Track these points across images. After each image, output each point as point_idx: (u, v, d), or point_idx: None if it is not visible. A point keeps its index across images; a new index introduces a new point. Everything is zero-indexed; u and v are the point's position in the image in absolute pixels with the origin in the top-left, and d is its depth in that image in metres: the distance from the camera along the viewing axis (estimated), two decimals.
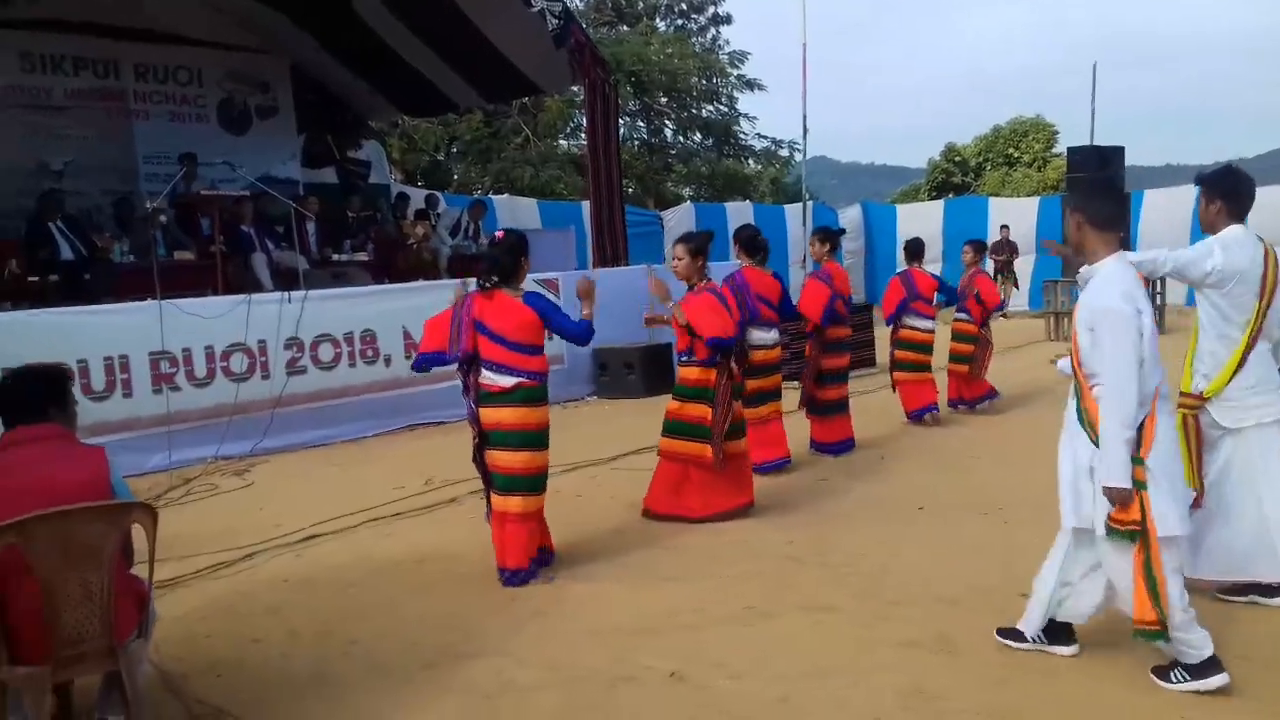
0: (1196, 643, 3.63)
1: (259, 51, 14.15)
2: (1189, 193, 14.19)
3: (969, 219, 20.33)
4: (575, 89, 21.85)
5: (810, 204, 16.88)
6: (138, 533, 3.34)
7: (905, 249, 9.47)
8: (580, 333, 5.31)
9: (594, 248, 13.14)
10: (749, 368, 6.70)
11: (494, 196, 19.20)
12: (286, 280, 10.90)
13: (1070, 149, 16.66)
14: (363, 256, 12.77)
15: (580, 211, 18.36)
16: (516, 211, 18.16)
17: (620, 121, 17.40)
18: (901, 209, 24.07)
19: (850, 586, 4.89)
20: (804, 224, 16.41)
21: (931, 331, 9.04)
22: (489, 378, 5.11)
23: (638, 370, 11.08)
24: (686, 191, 30.53)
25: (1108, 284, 3.69)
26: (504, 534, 5.16)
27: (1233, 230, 4.40)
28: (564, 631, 4.48)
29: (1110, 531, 3.62)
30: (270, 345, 8.97)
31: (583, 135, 29.29)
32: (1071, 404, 3.85)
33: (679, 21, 31.80)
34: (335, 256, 12.49)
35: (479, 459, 5.29)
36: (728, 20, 31.83)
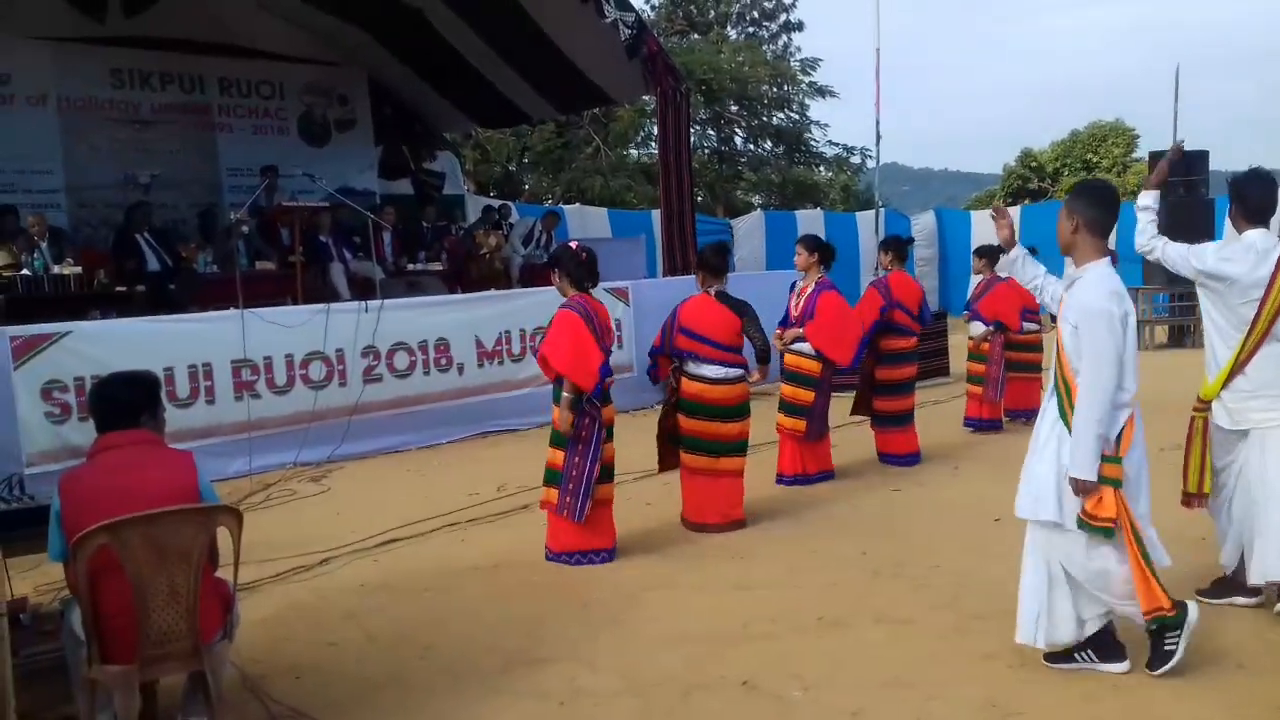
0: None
1: (337, 65, 14.47)
2: None
3: (1047, 225, 19.83)
4: (647, 98, 22.03)
5: (883, 211, 16.68)
6: (223, 536, 3.42)
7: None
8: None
9: (664, 256, 13.16)
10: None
11: (565, 206, 19.33)
12: (363, 290, 11.09)
13: (1151, 153, 16.28)
14: (437, 266, 12.94)
15: (650, 220, 18.43)
16: (587, 221, 18.28)
17: (690, 130, 17.41)
18: (976, 215, 23.68)
19: (927, 598, 4.83)
20: (875, 231, 16.26)
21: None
22: None
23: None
24: (756, 199, 30.46)
25: (1097, 284, 3.76)
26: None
27: (1248, 235, 4.37)
28: (638, 639, 4.48)
29: (1080, 524, 3.72)
30: (348, 353, 9.12)
31: (653, 144, 29.49)
32: (1052, 404, 3.87)
33: (750, 29, 31.77)
34: (410, 266, 12.67)
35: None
36: (799, 27, 31.73)
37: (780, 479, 7.30)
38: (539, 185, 28.05)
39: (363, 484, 8.02)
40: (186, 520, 3.22)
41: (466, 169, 21.99)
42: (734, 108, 28.47)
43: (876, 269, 14.31)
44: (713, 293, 6.21)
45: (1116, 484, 3.68)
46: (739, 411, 6.16)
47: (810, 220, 20.57)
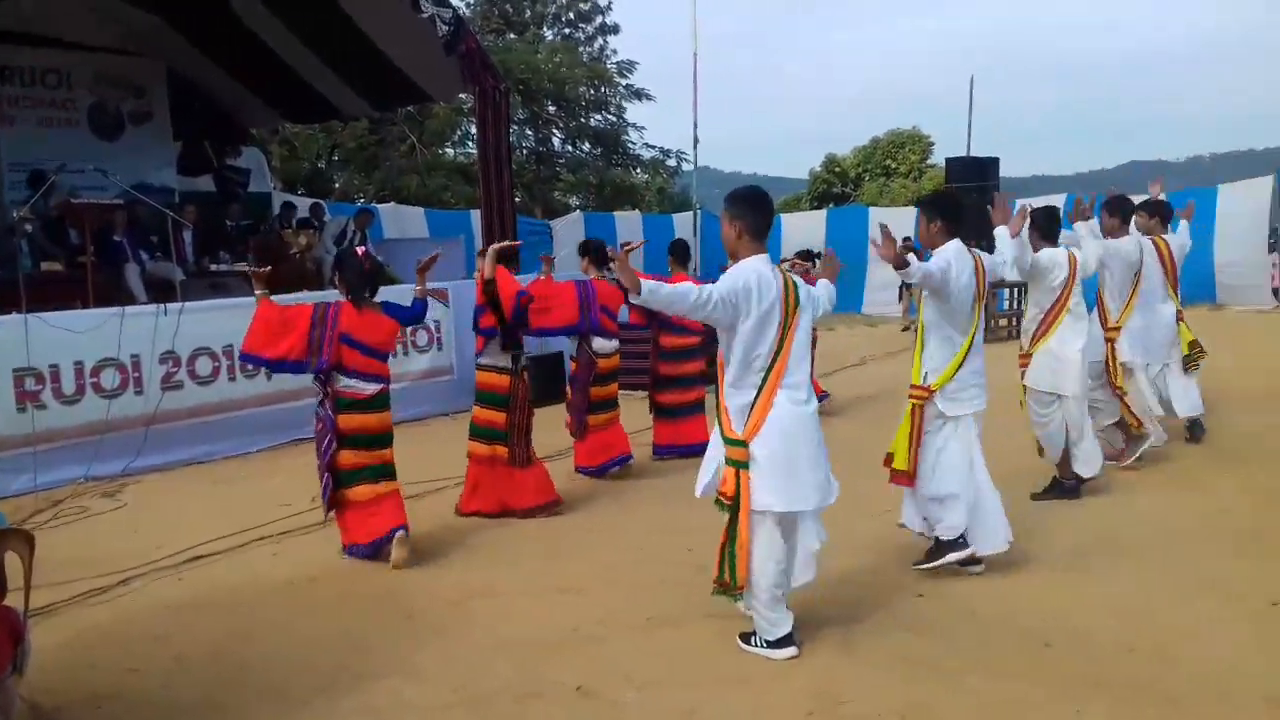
0: (775, 620, 4.12)
1: (133, 55, 13.58)
2: (1056, 200, 14.69)
3: (851, 227, 20.78)
4: (464, 97, 21.70)
5: (699, 213, 17.00)
6: (11, 560, 3.13)
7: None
8: (414, 316, 5.89)
9: None
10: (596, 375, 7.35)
11: (380, 205, 18.84)
12: (161, 292, 10.47)
13: (949, 159, 17.22)
14: (243, 267, 12.34)
15: (469, 220, 18.18)
16: (403, 220, 17.88)
17: (510, 129, 17.26)
18: (786, 218, 24.42)
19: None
20: (694, 233, 16.54)
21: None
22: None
23: (530, 379, 10.94)
24: (574, 200, 30.53)
25: (739, 269, 4.14)
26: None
27: (952, 244, 4.93)
28: (466, 648, 4.38)
29: (716, 503, 4.15)
30: (144, 360, 8.58)
31: (470, 144, 29.13)
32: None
33: (566, 30, 31.80)
34: (213, 267, 12.06)
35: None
36: (615, 30, 31.98)
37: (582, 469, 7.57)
38: (350, 184, 27.23)
39: (163, 498, 7.55)
40: None
41: (273, 165, 21.11)
42: (552, 108, 28.43)
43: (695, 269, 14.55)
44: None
45: (743, 465, 4.02)
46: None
47: (629, 222, 20.79)
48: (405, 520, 5.68)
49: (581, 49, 30.99)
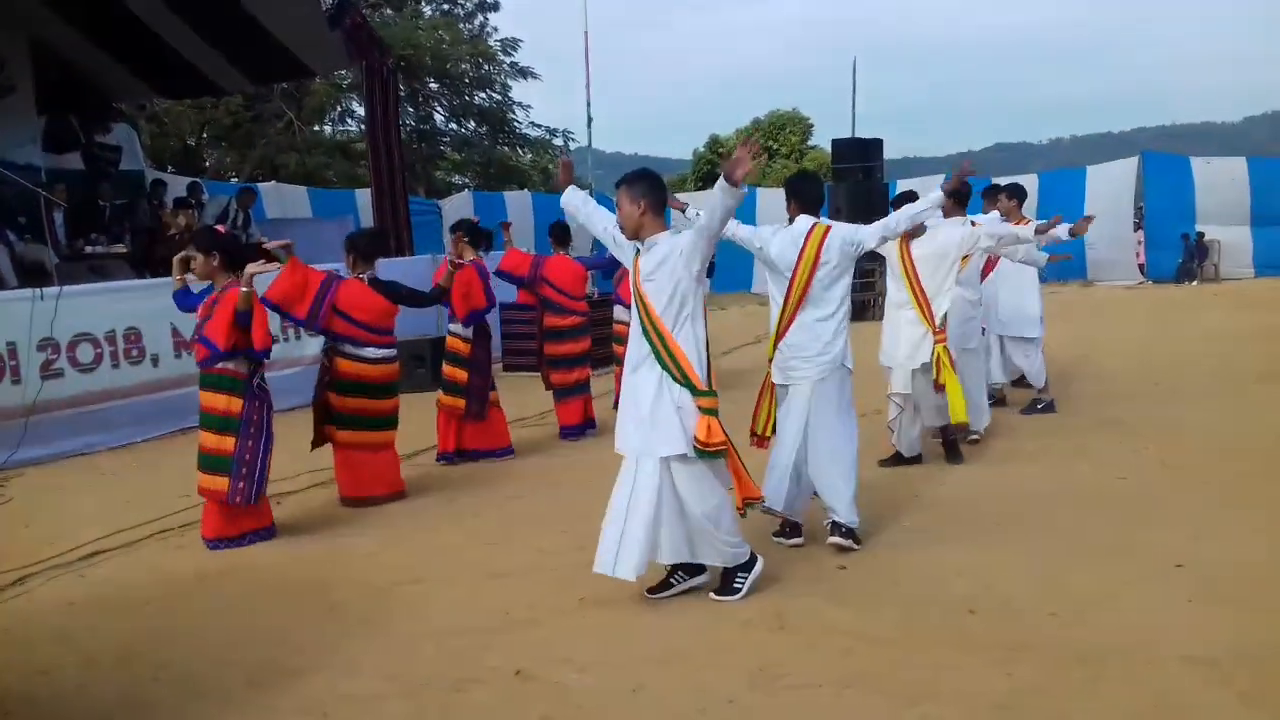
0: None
1: None
2: (936, 182, 15.19)
3: (739, 208, 20.98)
4: (343, 73, 21.12)
5: (593, 193, 16.93)
6: None
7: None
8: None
9: None
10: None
11: (260, 184, 18.21)
12: (33, 275, 9.94)
13: (835, 140, 17.53)
14: (120, 248, 11.81)
15: (354, 199, 17.75)
16: (285, 199, 17.37)
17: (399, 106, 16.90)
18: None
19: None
20: None
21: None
22: None
23: (429, 363, 10.79)
24: (458, 179, 30.07)
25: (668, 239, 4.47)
26: None
27: (799, 222, 5.25)
28: (396, 637, 4.28)
29: (699, 452, 4.24)
30: (21, 347, 8.13)
31: (349, 121, 28.40)
32: (649, 359, 4.35)
33: (445, 6, 31.18)
34: (88, 249, 11.49)
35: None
36: (495, 7, 31.50)
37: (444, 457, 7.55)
38: (222, 162, 26.26)
39: (50, 492, 7.18)
40: None
41: (143, 142, 20.21)
42: (434, 85, 27.88)
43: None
44: (365, 278, 6.45)
45: (715, 413, 4.25)
46: (393, 389, 6.50)
47: (518, 201, 20.61)
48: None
49: (462, 25, 30.46)
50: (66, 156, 13.94)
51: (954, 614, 4.23)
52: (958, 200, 7.36)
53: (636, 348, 4.42)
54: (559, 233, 8.57)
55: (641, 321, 4.39)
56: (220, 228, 5.95)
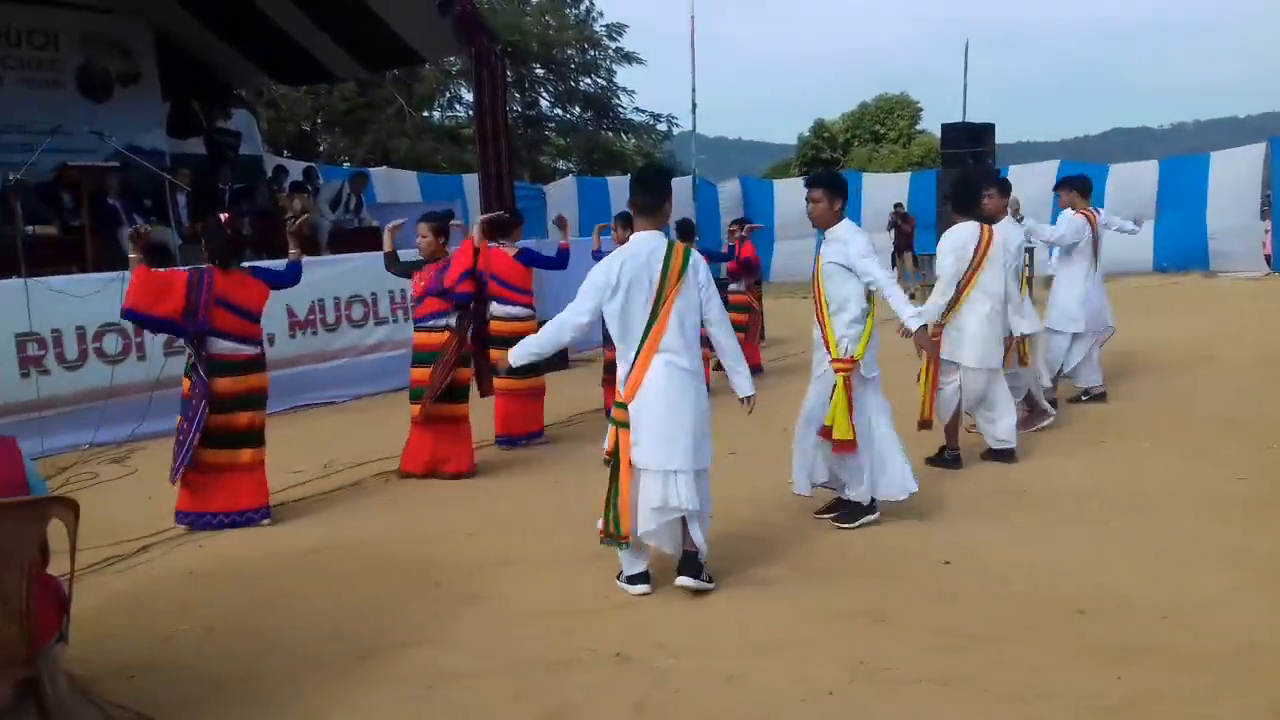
0: (629, 561, 4.57)
1: (119, 14, 13.30)
2: (1050, 167, 14.70)
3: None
4: (452, 59, 21.44)
5: (696, 179, 16.91)
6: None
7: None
8: (289, 278, 6.20)
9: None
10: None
11: (371, 169, 18.64)
12: (157, 256, 10.33)
13: (945, 126, 17.09)
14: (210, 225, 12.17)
15: (461, 184, 18.00)
16: (395, 184, 17.72)
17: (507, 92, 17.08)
18: (778, 184, 24.38)
19: (789, 558, 4.91)
20: (692, 199, 16.44)
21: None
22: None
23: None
24: (562, 164, 30.31)
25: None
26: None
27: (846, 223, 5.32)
28: (498, 616, 4.37)
29: (605, 461, 4.53)
30: None
31: (457, 107, 28.85)
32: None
33: None
34: None
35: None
36: None
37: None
38: (336, 147, 26.93)
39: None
40: (15, 515, 2.88)
41: (261, 128, 20.86)
42: (540, 71, 28.13)
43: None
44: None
45: (623, 425, 4.45)
46: None
47: (621, 186, 20.60)
48: (266, 502, 5.90)
49: (568, 10, 30.63)
50: (189, 141, 14.44)
51: (1062, 613, 4.13)
52: (1081, 191, 7.38)
53: None
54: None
55: None
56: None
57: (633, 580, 4.56)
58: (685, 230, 9.16)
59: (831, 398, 5.17)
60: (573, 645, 4.03)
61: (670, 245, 4.53)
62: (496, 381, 7.73)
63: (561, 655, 3.94)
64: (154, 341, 8.46)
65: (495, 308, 7.84)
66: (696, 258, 4.60)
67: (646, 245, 4.51)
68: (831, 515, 5.45)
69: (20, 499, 2.95)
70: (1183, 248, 19.01)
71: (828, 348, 5.23)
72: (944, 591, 4.43)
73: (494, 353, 7.87)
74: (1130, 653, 3.74)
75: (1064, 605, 4.20)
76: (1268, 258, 20.20)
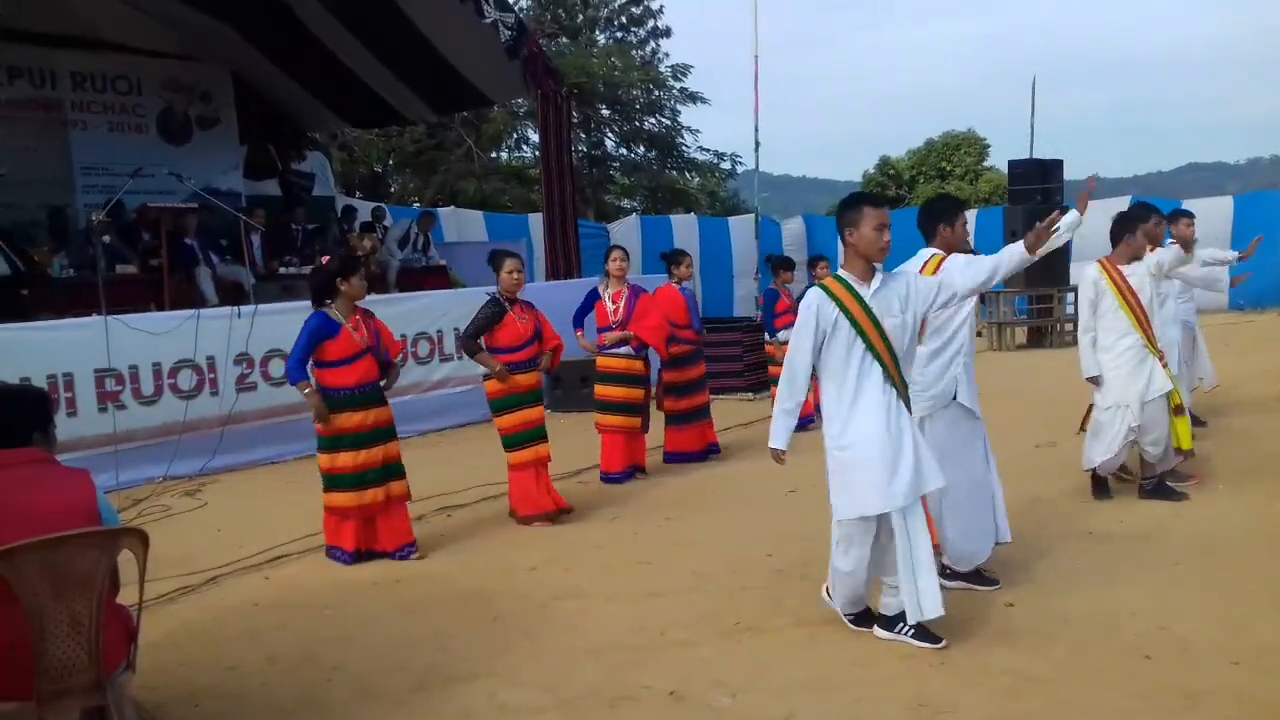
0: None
1: (200, 60, 13.81)
2: (1120, 204, 14.46)
3: (910, 230, 20.57)
4: (519, 101, 21.81)
5: (759, 217, 16.92)
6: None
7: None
8: (290, 364, 5.91)
9: (547, 260, 13.05)
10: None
11: (440, 209, 18.99)
12: (231, 294, 10.65)
13: (1011, 162, 16.93)
14: (310, 270, 12.49)
15: (527, 224, 18.25)
16: (463, 224, 18.01)
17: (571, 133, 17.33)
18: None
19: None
20: (755, 236, 16.46)
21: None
22: None
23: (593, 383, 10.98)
24: (627, 203, 30.56)
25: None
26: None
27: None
28: (555, 651, 4.38)
29: None
30: (219, 361, 8.75)
31: (525, 148, 29.29)
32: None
33: (619, 34, 31.83)
34: (282, 270, 12.21)
35: None
36: (667, 34, 31.94)
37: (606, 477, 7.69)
38: (406, 188, 27.49)
39: (242, 497, 7.68)
40: (88, 545, 2.98)
41: (334, 170, 21.40)
42: (605, 111, 28.47)
43: (756, 272, 14.52)
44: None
45: None
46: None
47: (684, 225, 20.77)
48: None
49: (634, 52, 30.99)
50: (265, 183, 14.92)
51: (1127, 657, 4.02)
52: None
53: None
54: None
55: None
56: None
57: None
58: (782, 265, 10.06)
59: None
60: (629, 682, 4.02)
61: None
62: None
63: (617, 691, 3.94)
64: (227, 377, 8.70)
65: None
66: None
67: None
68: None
69: (92, 530, 3.04)
70: (1260, 284, 18.51)
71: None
72: (1006, 633, 4.35)
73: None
74: (1197, 697, 3.64)
75: (1130, 649, 4.09)
76: None
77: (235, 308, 9.08)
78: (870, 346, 4.10)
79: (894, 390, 4.14)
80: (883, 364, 4.11)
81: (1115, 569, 5.11)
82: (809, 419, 8.04)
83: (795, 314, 4.59)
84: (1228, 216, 18.70)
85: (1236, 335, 15.04)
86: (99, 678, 3.05)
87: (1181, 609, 4.51)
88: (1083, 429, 6.71)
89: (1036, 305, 16.45)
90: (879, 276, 4.22)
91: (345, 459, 5.70)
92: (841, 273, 4.24)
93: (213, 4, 12.46)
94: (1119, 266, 6.29)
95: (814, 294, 4.26)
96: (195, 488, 7.96)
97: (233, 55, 13.91)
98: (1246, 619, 4.36)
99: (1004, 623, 4.49)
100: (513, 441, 6.49)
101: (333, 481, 5.76)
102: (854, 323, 4.11)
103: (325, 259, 6.08)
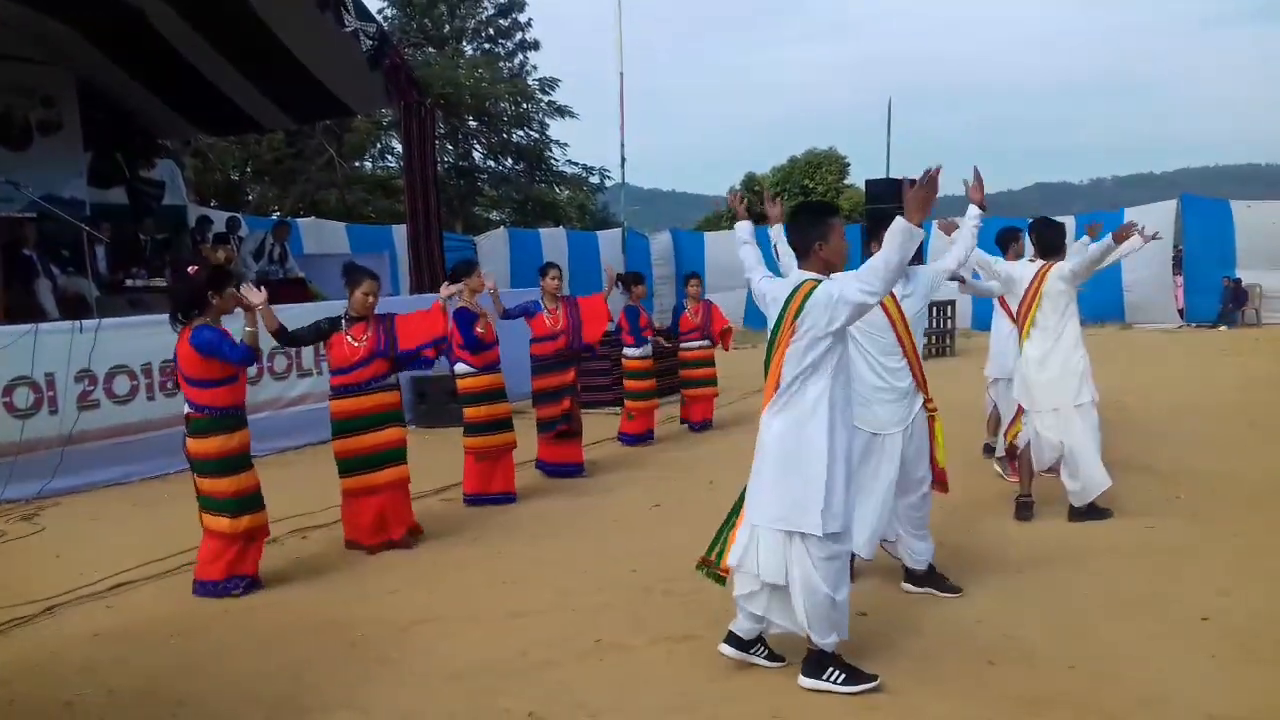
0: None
1: (41, 63, 13.12)
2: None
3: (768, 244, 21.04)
4: (384, 111, 21.45)
5: (626, 231, 17.06)
6: None
7: None
8: (239, 359, 5.45)
9: (412, 273, 12.86)
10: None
11: (299, 219, 18.51)
12: (74, 308, 10.15)
13: (869, 180, 17.48)
14: (160, 282, 11.99)
15: (391, 235, 17.96)
16: (323, 235, 17.62)
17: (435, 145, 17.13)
18: (709, 236, 24.67)
19: (699, 615, 4.90)
20: (622, 250, 16.58)
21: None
22: None
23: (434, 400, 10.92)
24: (495, 216, 30.38)
25: None
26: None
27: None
28: (413, 677, 4.30)
29: None
30: (59, 378, 8.31)
31: (388, 158, 28.81)
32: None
33: (486, 46, 31.65)
34: (129, 283, 11.70)
35: None
36: (535, 46, 31.92)
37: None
38: (265, 197, 26.69)
39: (84, 521, 7.31)
40: None
41: (187, 178, 20.62)
42: (473, 123, 28.23)
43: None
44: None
45: None
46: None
47: (553, 238, 20.76)
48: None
49: (502, 64, 30.86)
50: (111, 191, 14.26)
51: (972, 664, 4.19)
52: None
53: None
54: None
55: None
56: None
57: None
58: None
59: (930, 439, 5.00)
60: (487, 706, 3.98)
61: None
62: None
63: (475, 717, 3.90)
64: (68, 395, 8.28)
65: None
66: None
67: None
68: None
69: None
70: (1100, 300, 19.59)
71: (924, 391, 4.99)
72: (857, 643, 4.46)
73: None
74: (1037, 704, 3.81)
75: (974, 656, 4.26)
76: (1180, 311, 20.90)
77: (77, 322, 8.65)
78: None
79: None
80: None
81: (963, 579, 5.30)
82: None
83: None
84: (1070, 234, 19.70)
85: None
86: None
87: (1024, 617, 4.73)
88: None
89: None
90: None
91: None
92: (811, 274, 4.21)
93: (55, 6, 11.87)
94: None
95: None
96: (32, 511, 7.54)
97: (77, 58, 13.28)
98: (1085, 626, 4.60)
99: (855, 632, 4.60)
100: (343, 467, 6.32)
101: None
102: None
103: (194, 269, 5.68)
